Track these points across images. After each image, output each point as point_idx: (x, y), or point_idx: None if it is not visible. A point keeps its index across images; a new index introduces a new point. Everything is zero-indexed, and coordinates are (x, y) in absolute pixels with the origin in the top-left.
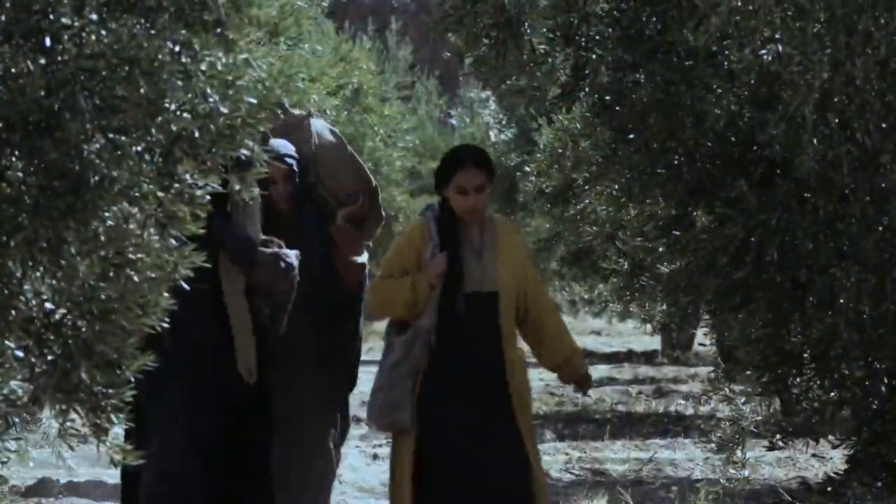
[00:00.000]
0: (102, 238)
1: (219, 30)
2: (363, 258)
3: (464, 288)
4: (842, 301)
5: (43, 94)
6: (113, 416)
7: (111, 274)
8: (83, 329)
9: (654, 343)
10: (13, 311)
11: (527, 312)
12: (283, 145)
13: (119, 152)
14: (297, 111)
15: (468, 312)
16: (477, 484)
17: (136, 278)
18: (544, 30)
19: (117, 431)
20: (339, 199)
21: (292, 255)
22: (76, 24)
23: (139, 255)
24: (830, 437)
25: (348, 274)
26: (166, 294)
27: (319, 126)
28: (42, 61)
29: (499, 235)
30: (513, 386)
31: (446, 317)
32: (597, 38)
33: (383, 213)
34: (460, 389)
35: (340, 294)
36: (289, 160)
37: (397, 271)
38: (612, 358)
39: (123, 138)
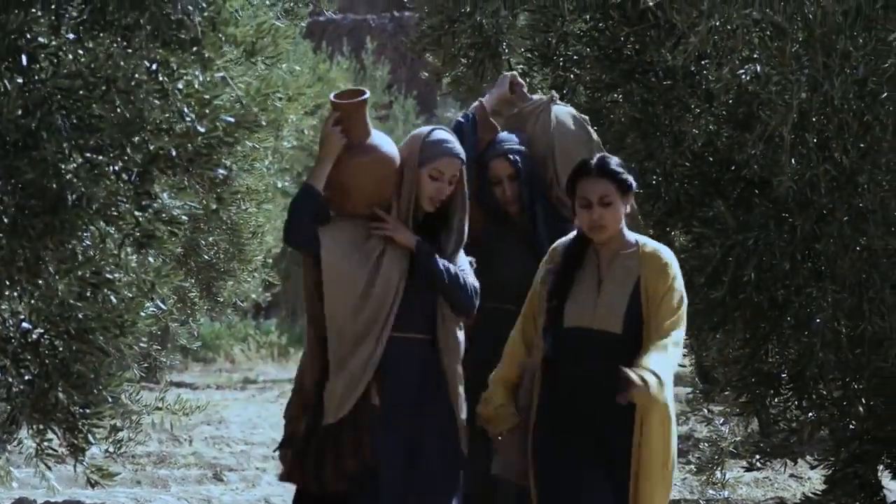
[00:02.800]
0: (80, 257)
1: (196, 48)
2: None
3: (563, 322)
4: (819, 321)
5: (20, 113)
6: (90, 437)
7: (88, 293)
8: (60, 349)
9: None
10: None
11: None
12: (509, 139)
13: (96, 171)
14: (538, 96)
15: (574, 352)
16: None
17: (113, 298)
18: (522, 50)
19: (94, 451)
20: None
21: (472, 262)
22: (53, 43)
23: (117, 275)
24: (808, 458)
25: None
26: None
27: (562, 113)
28: (19, 81)
29: (645, 266)
30: (637, 446)
31: (559, 357)
32: (575, 58)
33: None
34: (568, 442)
35: None
36: (513, 157)
37: (529, 306)
38: None
39: (100, 157)
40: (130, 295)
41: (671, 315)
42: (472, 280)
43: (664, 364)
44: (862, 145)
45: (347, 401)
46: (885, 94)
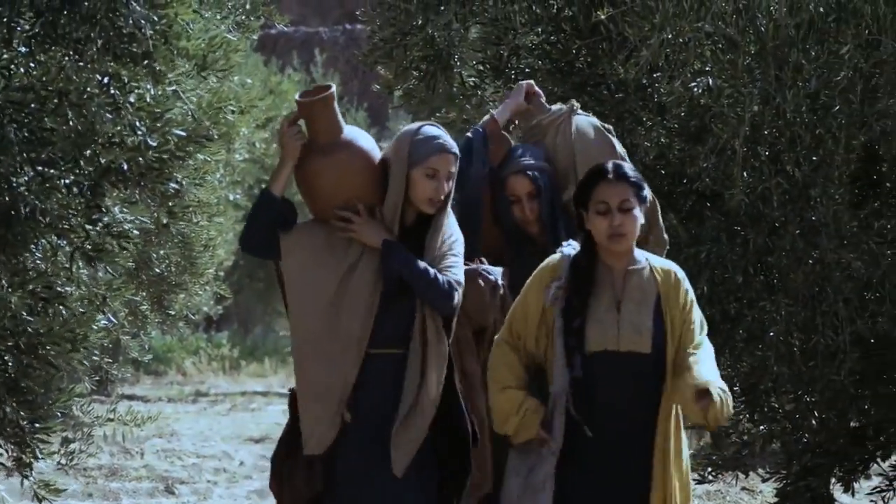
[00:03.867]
0: (31, 271)
1: (147, 62)
2: None
3: (589, 346)
4: (772, 334)
5: None
6: (38, 451)
7: (40, 307)
8: (10, 363)
9: None
10: None
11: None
12: (527, 153)
13: (48, 185)
14: (557, 106)
15: (601, 377)
16: None
17: (64, 312)
18: (474, 62)
19: (43, 466)
20: None
21: (497, 273)
22: (4, 56)
23: (68, 289)
24: (760, 471)
25: None
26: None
27: (584, 124)
28: None
29: (664, 286)
30: (658, 472)
31: (584, 381)
32: (527, 70)
33: (666, 237)
34: (598, 473)
35: None
36: (532, 173)
37: (518, 327)
38: None
39: (52, 171)
40: (82, 309)
41: (699, 327)
42: (453, 276)
43: (717, 375)
44: (814, 158)
45: (330, 430)
46: (838, 107)
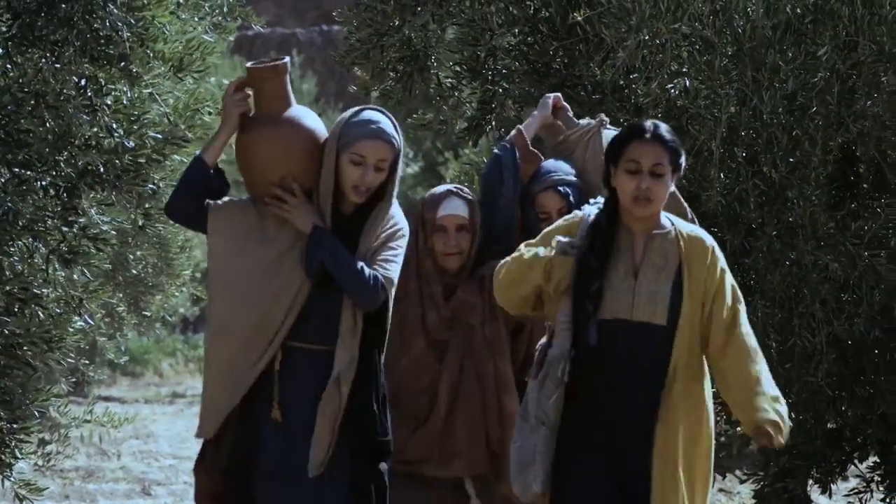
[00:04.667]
0: (8, 273)
1: (124, 64)
2: None
3: (600, 313)
4: None
5: None
6: (17, 452)
7: (17, 308)
8: None
9: None
10: None
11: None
12: (558, 169)
13: (24, 186)
14: (586, 121)
15: (609, 347)
16: None
17: (41, 313)
18: (451, 63)
19: (22, 466)
20: None
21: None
22: None
23: (45, 290)
24: (738, 472)
25: None
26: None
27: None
28: None
29: (688, 253)
30: (668, 452)
31: (584, 350)
32: (504, 71)
33: (686, 206)
34: (603, 449)
35: None
36: (563, 189)
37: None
38: None
39: (29, 172)
40: (58, 310)
41: (736, 314)
42: (383, 271)
43: (769, 377)
44: (791, 160)
45: (225, 412)
46: (815, 108)
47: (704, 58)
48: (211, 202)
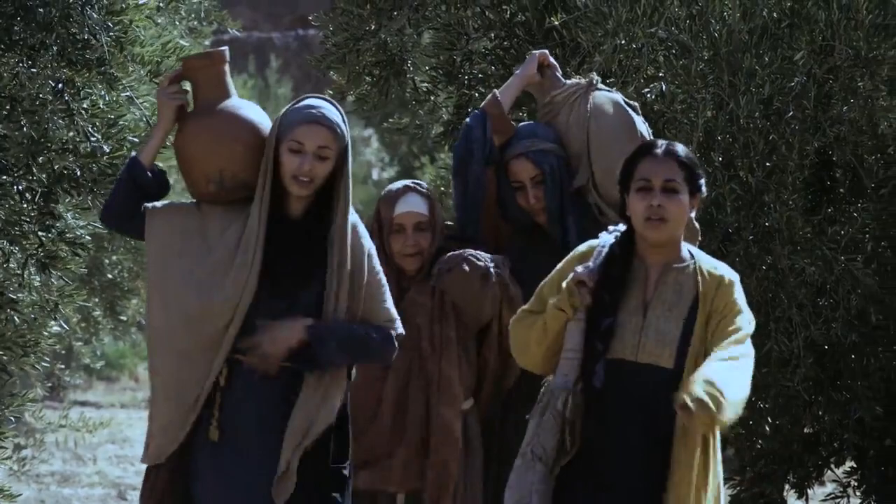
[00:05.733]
0: None
1: (102, 68)
2: None
3: (609, 352)
4: None
5: None
6: None
7: None
8: None
9: None
10: None
11: None
12: (531, 134)
13: (0, 191)
14: (575, 80)
15: (614, 389)
16: None
17: (16, 318)
18: (427, 68)
19: None
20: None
21: (488, 259)
22: None
23: (20, 295)
24: None
25: None
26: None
27: (602, 101)
28: None
29: (707, 291)
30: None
31: (587, 388)
32: (480, 76)
33: (697, 226)
34: (603, 491)
35: None
36: (535, 155)
37: (548, 294)
38: None
39: (5, 177)
40: (34, 315)
41: (735, 326)
42: (389, 321)
43: (725, 372)
44: (768, 164)
45: (174, 438)
46: (791, 112)
47: (681, 62)
48: (148, 205)
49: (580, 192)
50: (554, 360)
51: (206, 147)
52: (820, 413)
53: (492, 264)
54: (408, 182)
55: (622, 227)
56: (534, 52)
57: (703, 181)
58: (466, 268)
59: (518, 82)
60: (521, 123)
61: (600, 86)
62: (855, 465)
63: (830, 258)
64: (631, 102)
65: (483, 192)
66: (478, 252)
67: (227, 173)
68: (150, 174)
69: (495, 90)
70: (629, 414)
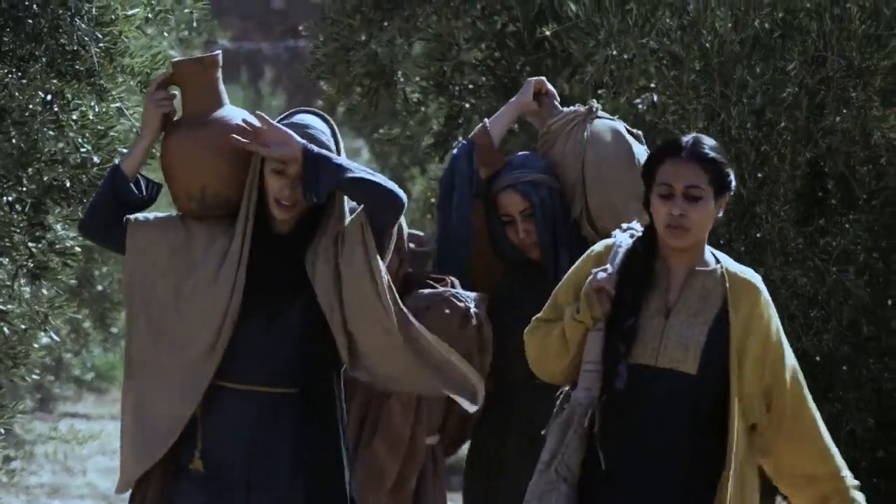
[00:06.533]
0: None
1: (91, 79)
2: None
3: (631, 356)
4: None
5: None
6: None
7: None
8: None
9: None
10: None
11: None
12: (522, 165)
13: None
14: (574, 108)
15: (635, 394)
16: None
17: (6, 329)
18: (417, 78)
19: None
20: None
21: (470, 298)
22: None
23: (10, 306)
24: None
25: None
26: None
27: (601, 130)
28: None
29: (735, 296)
30: None
31: (609, 396)
32: (470, 86)
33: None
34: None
35: None
36: (523, 187)
37: (565, 300)
38: None
39: None
40: (24, 326)
41: (781, 360)
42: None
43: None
44: (759, 175)
45: (142, 465)
46: (783, 123)
47: (672, 73)
48: (130, 217)
49: (575, 225)
50: (576, 373)
51: (189, 162)
52: None
53: (472, 304)
54: None
55: (636, 224)
56: (530, 79)
57: (731, 178)
58: (447, 310)
59: (511, 111)
60: (512, 156)
61: (601, 113)
62: None
63: (822, 269)
64: (634, 131)
65: (468, 229)
66: (458, 291)
67: (209, 191)
68: (133, 184)
69: (486, 119)
70: (647, 424)
